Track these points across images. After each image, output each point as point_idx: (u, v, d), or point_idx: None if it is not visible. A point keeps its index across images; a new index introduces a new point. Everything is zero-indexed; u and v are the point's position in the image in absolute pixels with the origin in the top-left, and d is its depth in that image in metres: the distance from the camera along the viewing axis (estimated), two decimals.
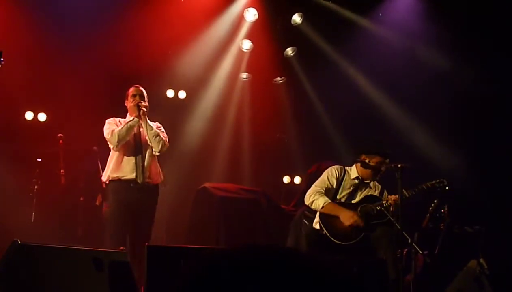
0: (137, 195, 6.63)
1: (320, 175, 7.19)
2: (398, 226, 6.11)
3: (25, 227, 7.69)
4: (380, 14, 9.84)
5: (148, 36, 9.06)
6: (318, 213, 6.71)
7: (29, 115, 8.98)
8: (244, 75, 10.12)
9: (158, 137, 6.71)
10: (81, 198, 8.19)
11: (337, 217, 6.57)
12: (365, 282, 5.39)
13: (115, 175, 6.70)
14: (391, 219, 6.37)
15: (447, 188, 6.60)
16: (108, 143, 6.75)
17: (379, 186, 6.92)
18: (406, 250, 6.55)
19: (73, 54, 8.83)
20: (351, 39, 9.88)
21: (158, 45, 9.20)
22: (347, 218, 6.53)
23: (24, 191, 8.04)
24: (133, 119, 6.73)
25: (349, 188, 6.83)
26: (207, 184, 8.41)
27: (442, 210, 7.38)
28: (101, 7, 8.75)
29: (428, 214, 7.36)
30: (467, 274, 6.31)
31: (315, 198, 6.71)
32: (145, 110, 6.76)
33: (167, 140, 6.87)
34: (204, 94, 9.83)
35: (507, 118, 9.08)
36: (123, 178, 6.67)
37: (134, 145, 6.77)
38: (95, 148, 8.19)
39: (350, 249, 6.43)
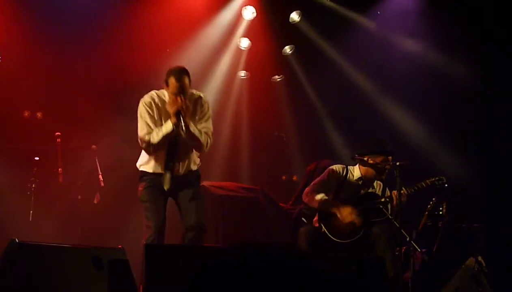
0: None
1: (318, 173, 7.20)
2: (397, 224, 6.12)
3: (23, 226, 7.68)
4: (378, 12, 9.84)
5: (147, 34, 9.06)
6: (318, 212, 6.71)
7: (27, 113, 8.97)
8: (242, 73, 10.12)
9: (198, 142, 5.87)
10: (79, 197, 8.18)
11: (335, 215, 6.58)
12: (364, 280, 5.40)
13: (145, 170, 6.05)
14: (390, 217, 6.39)
15: (446, 185, 6.61)
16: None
17: (381, 184, 6.92)
18: (404, 247, 6.56)
19: (71, 52, 8.83)
20: (349, 37, 9.90)
21: (157, 43, 9.20)
22: (345, 215, 6.54)
23: (22, 189, 8.02)
24: (172, 129, 5.77)
25: (352, 188, 6.82)
26: (205, 183, 8.39)
27: (441, 208, 7.39)
28: (99, 5, 8.74)
29: (427, 212, 7.37)
30: (465, 271, 6.31)
31: (313, 195, 6.72)
32: (185, 116, 5.76)
33: (210, 134, 5.99)
34: (202, 92, 9.81)
35: (504, 115, 9.10)
36: (153, 172, 5.98)
37: (168, 146, 5.94)
38: (93, 146, 8.19)
39: (349, 247, 6.44)
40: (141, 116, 5.94)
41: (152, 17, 9.06)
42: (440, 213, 7.34)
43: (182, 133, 5.81)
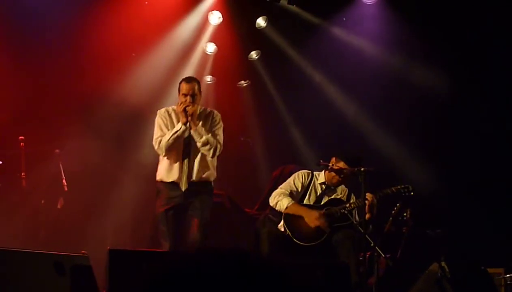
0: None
1: (283, 179, 7.22)
2: (361, 229, 6.15)
3: None
4: (344, 18, 9.89)
5: (112, 37, 9.00)
6: (283, 215, 6.72)
7: None
8: (209, 78, 10.10)
9: (207, 146, 6.42)
10: (43, 201, 8.09)
11: (301, 218, 6.61)
12: (328, 286, 5.41)
13: (162, 179, 6.55)
14: (354, 222, 6.42)
15: (412, 193, 6.68)
16: None
17: (346, 190, 6.97)
18: (369, 253, 6.59)
19: (33, 55, 8.73)
20: (315, 42, 9.93)
21: (122, 47, 9.14)
22: (312, 219, 6.56)
23: None
24: (180, 128, 6.41)
25: (316, 193, 6.88)
26: None
27: (405, 214, 7.44)
28: (63, 7, 8.66)
29: (391, 218, 7.41)
30: (429, 277, 6.36)
31: (279, 199, 6.74)
32: (192, 115, 6.40)
33: (221, 140, 6.56)
34: (168, 96, 9.78)
35: (467, 121, 9.20)
36: (169, 181, 6.49)
37: (183, 151, 6.50)
38: (57, 150, 8.11)
39: (312, 251, 6.46)
40: (156, 124, 6.61)
41: (117, 21, 8.99)
42: (404, 218, 7.39)
43: (192, 133, 6.42)
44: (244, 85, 10.28)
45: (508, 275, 7.64)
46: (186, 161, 6.45)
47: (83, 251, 4.96)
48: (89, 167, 8.65)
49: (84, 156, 8.58)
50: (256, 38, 9.97)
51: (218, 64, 9.98)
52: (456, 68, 9.28)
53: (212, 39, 9.84)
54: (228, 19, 9.71)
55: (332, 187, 6.91)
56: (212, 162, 6.59)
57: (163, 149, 6.45)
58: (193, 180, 6.44)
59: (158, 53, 9.52)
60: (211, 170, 6.59)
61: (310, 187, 6.91)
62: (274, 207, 6.81)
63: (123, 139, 9.24)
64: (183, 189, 6.41)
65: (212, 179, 6.64)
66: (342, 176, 6.78)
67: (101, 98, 8.98)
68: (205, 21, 9.72)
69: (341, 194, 6.95)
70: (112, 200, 8.93)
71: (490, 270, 7.12)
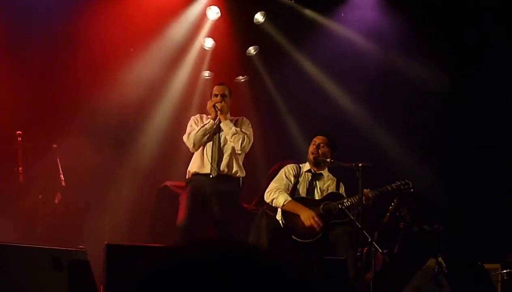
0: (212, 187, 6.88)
1: None
2: (358, 225, 6.16)
3: None
4: (342, 14, 9.88)
5: (110, 32, 8.98)
6: (279, 210, 6.75)
7: None
8: (206, 74, 10.08)
9: (236, 136, 6.90)
10: (40, 196, 8.08)
11: (298, 215, 6.62)
12: (325, 281, 5.41)
13: (191, 172, 7.03)
14: (352, 217, 6.42)
15: (412, 190, 6.69)
16: None
17: (334, 178, 7.03)
18: (366, 248, 6.59)
19: (31, 50, 8.72)
20: (313, 38, 9.93)
21: (120, 41, 9.13)
22: (306, 217, 6.57)
23: None
24: (209, 121, 6.99)
25: (305, 182, 6.93)
26: (168, 183, 8.36)
27: (401, 209, 7.44)
28: (59, 1, 8.65)
29: (388, 213, 7.41)
30: (426, 272, 6.36)
31: (275, 196, 6.76)
32: (221, 110, 6.93)
33: (251, 137, 7.07)
34: (166, 92, 9.78)
35: (464, 116, 9.21)
36: (198, 172, 6.97)
37: (212, 144, 6.99)
38: (54, 146, 8.10)
39: (310, 247, 6.47)
40: (189, 123, 7.16)
41: (115, 16, 8.98)
42: (401, 214, 7.39)
43: (221, 125, 6.94)
44: (242, 80, 10.26)
45: (504, 271, 7.66)
46: (215, 153, 6.94)
47: (80, 246, 4.97)
48: (86, 163, 8.65)
49: (82, 151, 8.58)
50: (254, 34, 9.95)
51: (216, 59, 9.97)
52: (453, 62, 9.28)
53: (210, 34, 9.83)
54: (226, 14, 9.70)
55: (318, 172, 6.98)
56: (240, 158, 7.04)
57: (191, 141, 6.94)
58: (222, 172, 6.89)
59: (156, 48, 9.51)
60: (239, 165, 7.02)
61: (300, 178, 6.96)
62: (270, 204, 6.84)
63: (121, 134, 9.23)
64: (213, 175, 6.87)
65: (239, 175, 7.03)
66: (318, 149, 6.92)
67: (100, 93, 8.97)
68: (203, 16, 9.70)
69: (328, 180, 6.99)
70: (109, 195, 8.94)
71: (486, 266, 7.13)
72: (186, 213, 6.78)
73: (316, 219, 6.55)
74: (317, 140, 7.05)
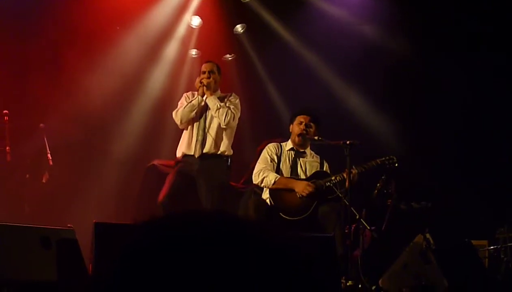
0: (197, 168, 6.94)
1: None
2: (346, 202, 6.18)
3: None
4: None
5: (95, 11, 8.93)
6: (269, 190, 6.74)
7: None
8: (194, 52, 10.04)
9: (221, 110, 6.93)
10: (27, 176, 8.06)
11: (288, 191, 6.62)
12: (313, 258, 5.42)
13: (180, 152, 7.08)
14: (340, 195, 6.44)
15: (396, 164, 6.70)
16: None
17: (318, 156, 7.04)
18: (354, 226, 6.62)
19: (18, 30, 8.66)
20: (301, 16, 9.90)
21: (106, 20, 9.07)
22: (302, 188, 6.57)
23: None
24: (196, 97, 7.05)
25: (288, 161, 6.93)
26: (156, 161, 8.35)
27: (389, 186, 7.46)
28: None
29: (376, 190, 7.43)
30: (413, 249, 6.39)
31: (264, 174, 6.75)
32: (207, 86, 6.98)
33: (237, 111, 7.09)
34: (154, 69, 9.74)
35: (452, 94, 9.23)
36: (186, 153, 7.04)
37: (198, 124, 7.05)
38: (42, 125, 8.07)
39: (299, 225, 6.48)
40: (180, 101, 7.20)
41: None
42: (389, 191, 7.41)
43: (207, 101, 6.98)
44: (230, 58, 10.23)
45: (492, 247, 7.72)
46: (201, 131, 7.00)
47: (69, 225, 4.96)
48: (73, 141, 8.63)
49: (69, 130, 8.55)
50: (242, 12, 9.91)
51: (203, 37, 9.93)
52: (434, 38, 9.32)
53: (197, 12, 9.78)
54: None
55: (301, 150, 7.00)
56: (227, 135, 7.05)
57: (179, 117, 6.99)
58: (207, 152, 6.93)
59: (143, 26, 9.46)
60: (226, 144, 7.03)
61: (282, 157, 6.96)
62: (259, 184, 6.84)
63: (109, 113, 9.20)
64: (196, 156, 6.92)
65: (227, 153, 7.05)
66: (297, 133, 6.92)
67: (85, 72, 8.93)
68: None
69: (312, 158, 7.00)
70: (97, 174, 8.93)
71: (474, 242, 7.17)
72: (167, 190, 6.89)
73: (311, 188, 6.56)
74: (304, 119, 7.00)
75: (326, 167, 7.03)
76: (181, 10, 9.73)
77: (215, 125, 7.02)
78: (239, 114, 7.15)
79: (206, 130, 7.01)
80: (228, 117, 6.93)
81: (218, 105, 6.96)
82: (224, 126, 6.98)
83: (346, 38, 9.60)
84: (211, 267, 1.07)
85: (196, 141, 6.97)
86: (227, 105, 7.04)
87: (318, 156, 7.10)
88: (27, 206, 7.93)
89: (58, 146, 8.14)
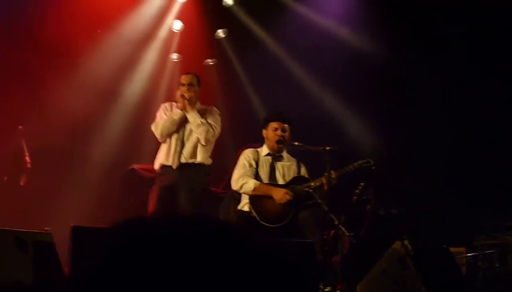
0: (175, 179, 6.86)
1: None
2: (325, 208, 6.17)
3: None
4: None
5: (76, 14, 8.89)
6: (249, 197, 6.72)
7: None
8: (175, 56, 10.03)
9: (202, 128, 6.86)
10: (5, 178, 8.01)
11: (268, 198, 6.61)
12: (295, 263, 5.42)
13: (159, 163, 6.99)
14: (318, 200, 6.44)
15: (373, 168, 6.71)
16: None
17: (294, 159, 7.03)
18: (333, 231, 6.62)
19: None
20: (283, 21, 9.91)
21: (88, 24, 9.04)
22: (280, 196, 6.56)
23: None
24: (179, 112, 6.94)
25: (265, 167, 6.92)
26: (135, 166, 8.33)
27: (368, 192, 7.47)
28: None
29: (355, 196, 7.44)
30: (392, 255, 6.40)
31: (244, 181, 6.73)
32: (189, 101, 6.90)
33: (217, 127, 7.03)
34: (135, 73, 9.72)
35: (428, 100, 9.27)
36: (165, 164, 6.94)
37: (177, 135, 6.96)
38: (20, 127, 8.03)
39: (279, 232, 6.47)
40: (158, 113, 7.12)
41: None
42: (368, 197, 7.42)
43: (187, 116, 6.87)
44: (211, 63, 10.22)
45: (469, 254, 7.75)
46: (179, 142, 6.91)
47: (46, 228, 4.93)
48: (52, 144, 8.57)
49: (47, 133, 8.50)
50: (223, 16, 9.92)
51: (185, 42, 9.92)
52: (411, 38, 9.38)
53: (179, 16, 9.77)
54: None
55: (277, 154, 6.98)
56: (206, 147, 6.98)
57: (159, 131, 6.91)
58: (185, 162, 6.86)
59: (124, 30, 9.43)
60: (204, 155, 6.98)
61: (259, 163, 6.95)
62: (238, 190, 6.81)
63: (88, 116, 9.16)
64: (174, 167, 6.83)
65: (205, 162, 7.01)
66: (273, 139, 6.89)
67: (65, 75, 8.89)
68: None
69: (289, 162, 7.00)
70: (76, 177, 8.88)
71: (452, 249, 7.19)
72: (155, 206, 6.86)
73: (290, 196, 6.55)
74: (278, 125, 6.95)
75: (303, 170, 7.01)
76: (162, 14, 9.71)
77: (193, 137, 6.97)
78: (219, 130, 7.10)
79: (184, 140, 6.96)
80: (209, 135, 6.91)
81: (199, 122, 6.89)
82: (203, 144, 6.94)
83: (327, 43, 9.63)
84: (188, 270, 1.06)
85: (175, 152, 6.91)
86: (208, 121, 6.98)
87: (295, 159, 7.09)
88: (4, 209, 7.88)
89: (37, 149, 8.09)
